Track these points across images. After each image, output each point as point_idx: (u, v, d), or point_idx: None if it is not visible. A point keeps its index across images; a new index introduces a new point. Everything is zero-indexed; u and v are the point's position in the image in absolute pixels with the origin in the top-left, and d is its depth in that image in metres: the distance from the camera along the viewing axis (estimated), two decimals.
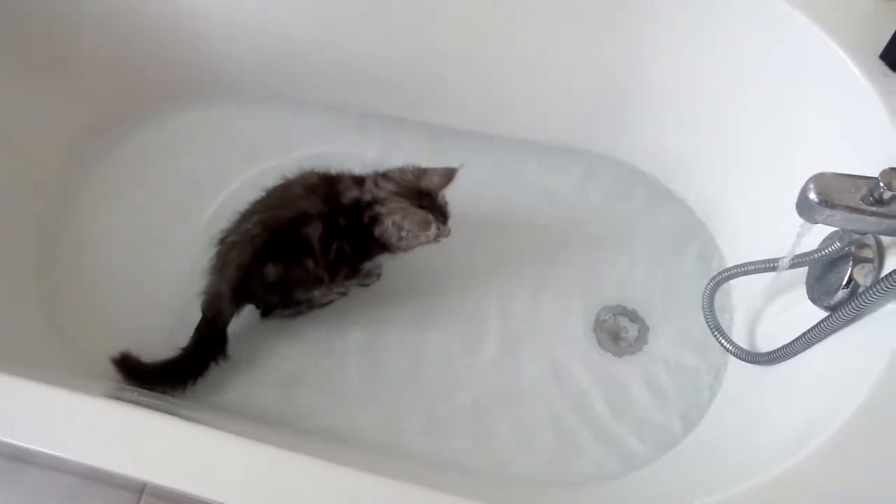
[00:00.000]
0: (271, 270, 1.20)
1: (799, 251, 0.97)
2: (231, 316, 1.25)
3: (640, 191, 1.48)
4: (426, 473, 1.18)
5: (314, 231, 1.18)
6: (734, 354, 1.18)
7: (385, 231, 1.19)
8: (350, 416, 1.27)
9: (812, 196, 0.81)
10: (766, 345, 1.15)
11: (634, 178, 1.49)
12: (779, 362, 1.07)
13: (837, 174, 0.83)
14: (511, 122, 1.51)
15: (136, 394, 1.15)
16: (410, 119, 1.54)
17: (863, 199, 0.81)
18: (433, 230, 1.18)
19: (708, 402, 1.25)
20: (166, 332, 1.28)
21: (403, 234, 1.18)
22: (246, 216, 1.23)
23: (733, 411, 1.19)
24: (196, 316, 1.25)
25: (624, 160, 1.49)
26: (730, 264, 1.23)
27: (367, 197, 1.19)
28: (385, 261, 1.38)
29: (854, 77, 1.03)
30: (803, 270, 1.09)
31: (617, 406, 1.27)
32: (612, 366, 1.31)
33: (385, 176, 1.22)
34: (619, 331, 1.34)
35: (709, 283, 1.20)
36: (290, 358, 1.32)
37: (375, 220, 1.19)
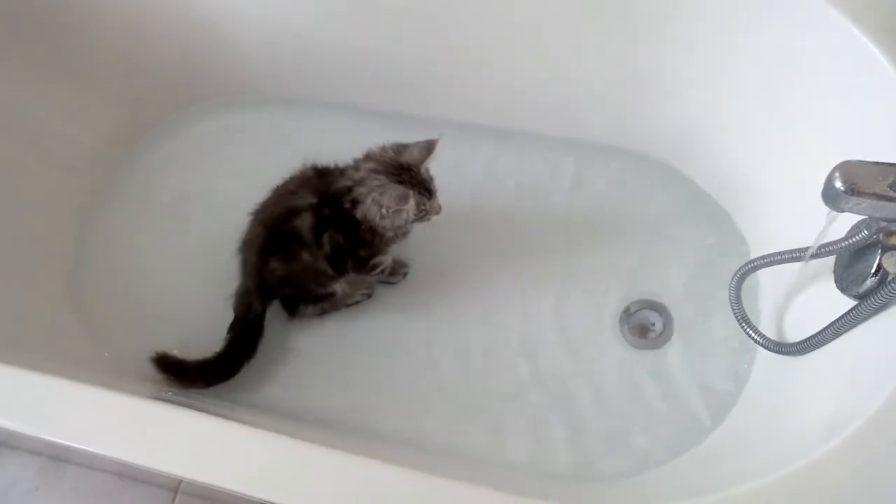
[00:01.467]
0: (276, 265, 1.23)
1: (825, 240, 0.96)
2: (261, 310, 1.29)
3: (667, 184, 1.47)
4: (446, 466, 1.19)
5: (303, 223, 1.19)
6: (762, 345, 1.17)
7: (367, 211, 1.16)
8: (374, 411, 1.29)
9: (838, 184, 0.80)
10: (794, 335, 1.14)
11: (661, 171, 1.48)
12: (807, 352, 1.06)
13: (864, 162, 0.82)
14: (535, 118, 1.51)
15: (171, 394, 1.17)
16: (435, 118, 1.54)
17: (890, 187, 0.80)
18: (411, 204, 1.15)
19: (736, 393, 1.24)
20: (197, 332, 1.31)
21: (384, 211, 1.15)
22: (254, 216, 1.27)
23: (762, 402, 1.18)
24: (226, 316, 1.28)
25: (649, 154, 1.48)
26: (756, 255, 1.22)
27: (348, 182, 1.19)
28: (411, 258, 1.40)
29: (881, 66, 1.02)
30: (831, 259, 1.08)
31: (644, 400, 1.27)
32: (639, 359, 1.30)
33: (366, 157, 1.20)
34: (646, 324, 1.34)
35: (735, 274, 1.19)
36: (316, 356, 1.35)
37: (357, 202, 1.17)
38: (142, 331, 1.37)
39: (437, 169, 1.43)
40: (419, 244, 1.40)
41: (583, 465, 1.22)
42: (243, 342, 1.26)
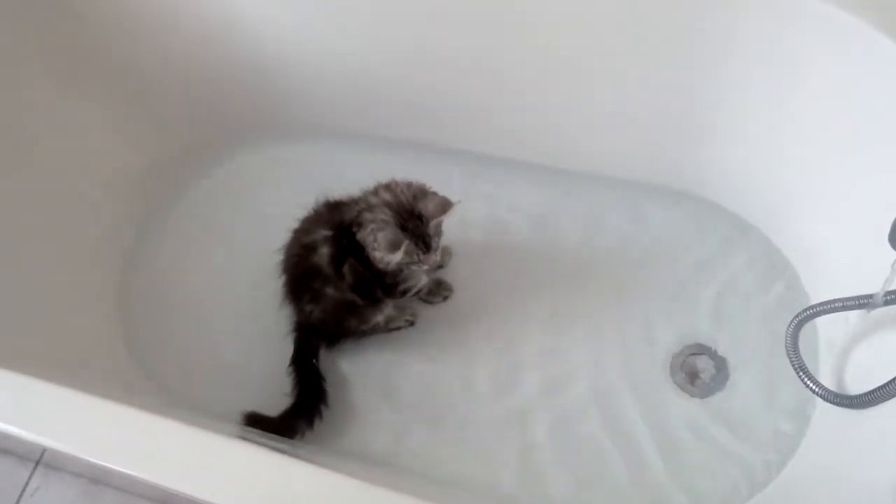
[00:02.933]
0: (311, 308, 1.25)
1: (892, 286, 0.92)
2: (317, 345, 1.31)
3: (720, 225, 1.43)
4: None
5: (321, 258, 1.20)
6: (821, 396, 1.12)
7: (365, 237, 1.16)
8: (446, 454, 1.27)
9: None
10: (857, 386, 1.08)
11: (714, 212, 1.44)
12: (872, 405, 1.01)
13: None
14: (585, 157, 1.49)
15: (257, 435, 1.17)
16: (489, 154, 1.54)
17: None
18: (398, 255, 1.13)
19: (793, 447, 1.19)
20: (245, 358, 1.36)
21: (375, 245, 1.15)
22: (280, 263, 1.30)
23: (820, 458, 1.13)
24: (273, 344, 1.31)
25: (703, 195, 1.45)
26: (814, 300, 1.18)
27: (362, 205, 1.19)
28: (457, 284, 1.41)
29: None
30: None
31: (695, 450, 1.22)
32: (689, 406, 1.26)
33: (387, 186, 1.20)
34: (696, 370, 1.29)
35: (792, 321, 1.15)
36: (404, 397, 1.33)
37: (360, 225, 1.17)
38: (188, 355, 1.39)
39: (490, 205, 1.48)
40: (468, 279, 1.41)
41: None
42: (307, 384, 1.27)
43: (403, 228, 1.14)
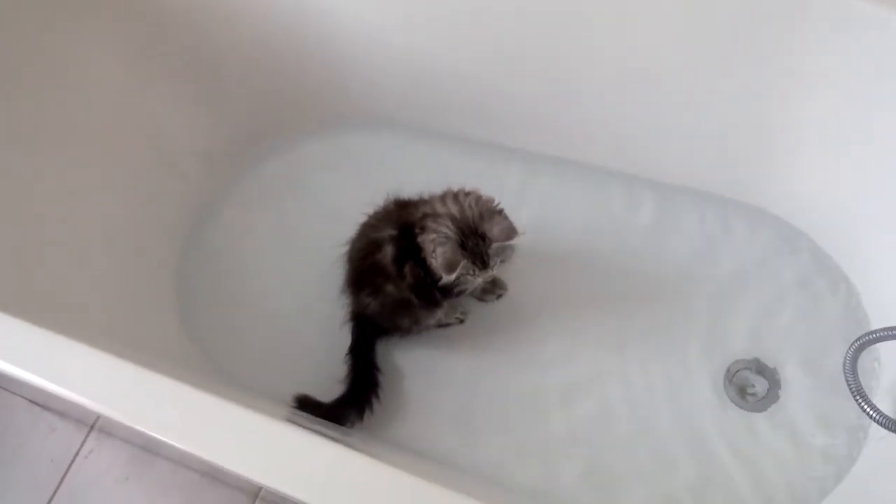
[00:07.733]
0: (368, 300, 1.26)
1: None
2: (373, 335, 1.32)
3: (780, 240, 1.40)
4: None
5: (384, 256, 1.20)
6: (877, 421, 1.08)
7: (424, 244, 1.16)
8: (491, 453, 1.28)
9: None
10: None
11: (774, 226, 1.41)
12: None
13: None
14: (646, 163, 1.47)
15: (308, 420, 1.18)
16: (549, 154, 1.52)
17: None
18: (453, 275, 1.13)
19: (843, 471, 1.16)
20: (298, 343, 1.38)
21: (434, 256, 1.14)
22: (346, 253, 1.31)
23: (870, 488, 1.11)
24: (328, 331, 1.33)
25: (764, 208, 1.42)
26: (875, 322, 1.14)
27: (427, 209, 1.19)
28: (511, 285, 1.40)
29: None
30: None
31: (740, 467, 1.20)
32: (737, 422, 1.24)
33: (455, 197, 1.19)
34: (747, 385, 1.27)
35: (853, 344, 1.11)
36: (457, 395, 1.34)
37: (423, 230, 1.16)
38: (245, 336, 1.42)
39: (554, 208, 1.47)
40: (524, 278, 1.41)
41: None
42: (361, 375, 1.28)
43: (463, 246, 1.14)
